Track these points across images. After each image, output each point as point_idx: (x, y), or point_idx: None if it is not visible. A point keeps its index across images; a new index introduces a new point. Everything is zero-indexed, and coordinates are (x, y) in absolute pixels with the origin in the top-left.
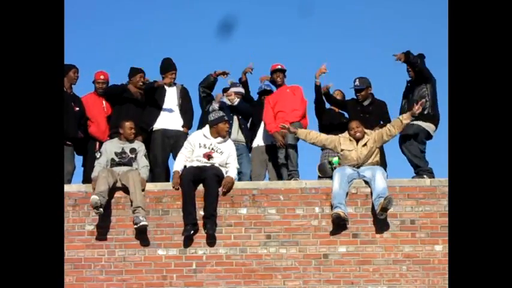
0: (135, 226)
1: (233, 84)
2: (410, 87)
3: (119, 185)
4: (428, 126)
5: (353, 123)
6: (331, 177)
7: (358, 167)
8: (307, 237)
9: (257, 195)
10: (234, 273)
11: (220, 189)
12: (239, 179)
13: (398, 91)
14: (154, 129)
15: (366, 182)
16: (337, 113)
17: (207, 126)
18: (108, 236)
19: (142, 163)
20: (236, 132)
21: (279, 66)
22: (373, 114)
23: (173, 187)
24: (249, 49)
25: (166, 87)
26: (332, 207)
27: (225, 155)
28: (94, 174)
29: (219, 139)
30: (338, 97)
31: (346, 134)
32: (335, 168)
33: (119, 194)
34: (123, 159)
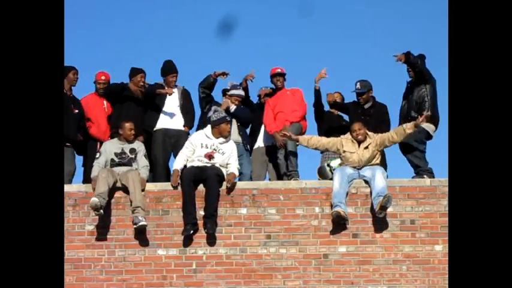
0: (135, 226)
1: (233, 86)
2: (410, 88)
3: (118, 185)
4: (428, 126)
5: (355, 125)
6: (331, 179)
7: (359, 169)
8: (307, 237)
9: (257, 195)
10: (234, 273)
11: (224, 183)
12: (239, 179)
13: (398, 92)
14: (155, 129)
15: (366, 182)
16: (336, 116)
17: (209, 126)
18: (108, 236)
19: (142, 163)
20: (235, 133)
21: (279, 70)
22: (373, 117)
23: (172, 185)
24: (249, 49)
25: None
26: (332, 206)
27: (226, 155)
28: (93, 174)
29: (221, 139)
30: (337, 100)
31: (348, 136)
32: (334, 170)
33: (118, 194)
34: (123, 160)
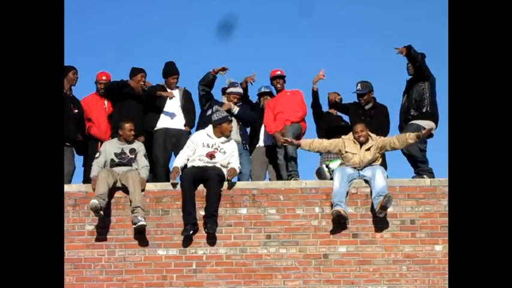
0: (134, 226)
1: (231, 84)
2: (410, 86)
3: (118, 185)
4: (428, 125)
5: (358, 126)
6: (330, 180)
7: (359, 169)
8: (307, 237)
9: (257, 195)
10: (234, 273)
11: (226, 176)
12: (239, 179)
13: (398, 92)
14: (156, 128)
15: (366, 182)
16: (335, 116)
17: (211, 126)
18: (108, 236)
19: (142, 163)
20: (235, 132)
21: (279, 72)
22: (374, 118)
23: (171, 183)
24: (249, 49)
25: (168, 90)
26: (332, 206)
27: (227, 155)
28: (93, 174)
29: (223, 139)
30: (337, 100)
31: (350, 136)
32: (333, 172)
33: (118, 194)
34: (123, 160)
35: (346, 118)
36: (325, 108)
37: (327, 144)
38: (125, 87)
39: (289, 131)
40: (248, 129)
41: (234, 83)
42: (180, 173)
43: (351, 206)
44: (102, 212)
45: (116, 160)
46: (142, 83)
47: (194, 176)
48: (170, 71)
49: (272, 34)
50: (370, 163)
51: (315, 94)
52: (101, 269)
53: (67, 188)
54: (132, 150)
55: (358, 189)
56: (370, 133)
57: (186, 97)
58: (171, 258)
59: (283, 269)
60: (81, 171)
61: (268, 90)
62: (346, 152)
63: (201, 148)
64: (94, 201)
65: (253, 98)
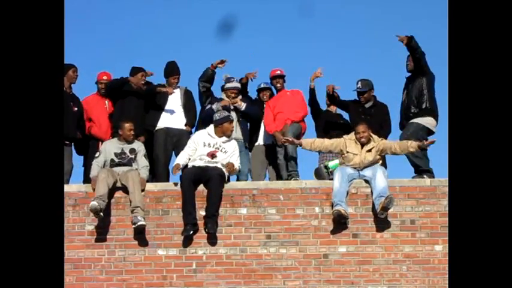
0: (133, 226)
1: (227, 79)
2: (409, 82)
3: (118, 185)
4: (427, 122)
5: (360, 127)
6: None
7: (359, 170)
8: (307, 237)
9: (257, 195)
10: (234, 273)
11: (224, 170)
12: (238, 179)
13: (398, 92)
14: (157, 128)
15: (366, 181)
16: (335, 114)
17: (212, 125)
18: (108, 236)
19: (142, 163)
20: (235, 130)
21: (278, 72)
22: (374, 116)
23: (173, 173)
24: (249, 49)
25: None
26: (333, 205)
27: (228, 154)
28: (93, 173)
29: (224, 138)
30: (334, 89)
31: (352, 136)
32: (331, 172)
33: (118, 194)
34: (123, 160)
35: (346, 116)
36: (323, 106)
37: (328, 144)
38: (125, 84)
39: (289, 130)
40: (248, 124)
41: (230, 77)
42: (181, 172)
43: (351, 206)
44: (102, 214)
45: (116, 160)
46: (143, 82)
47: (194, 176)
48: (171, 70)
49: (272, 34)
50: (370, 165)
51: (312, 92)
52: (101, 269)
53: (67, 188)
54: (132, 150)
55: (358, 189)
56: (372, 134)
57: (187, 96)
58: (171, 258)
59: (283, 269)
60: (81, 171)
61: (267, 86)
62: (347, 152)
63: (202, 147)
64: (94, 203)
65: (252, 94)
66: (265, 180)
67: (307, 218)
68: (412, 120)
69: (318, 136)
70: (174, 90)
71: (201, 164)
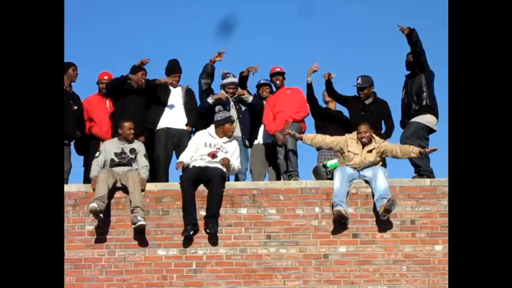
0: (133, 226)
1: (224, 75)
2: (408, 80)
3: (118, 185)
4: (428, 121)
5: (362, 126)
6: (326, 180)
7: (359, 170)
8: (307, 237)
9: (257, 195)
10: (234, 273)
11: (221, 167)
12: (238, 179)
13: (398, 92)
14: (157, 128)
15: (366, 182)
16: (334, 111)
17: (213, 125)
18: (108, 236)
19: (142, 163)
20: (236, 127)
21: (278, 69)
22: (374, 113)
23: (177, 168)
24: (249, 49)
25: (171, 87)
26: (333, 206)
27: (229, 154)
28: (93, 173)
29: (225, 139)
30: (328, 98)
31: (353, 136)
32: (329, 171)
33: (118, 194)
34: (123, 160)
35: (346, 114)
36: (322, 104)
37: (329, 141)
38: (126, 82)
39: (290, 129)
40: (249, 120)
41: (227, 73)
42: (181, 172)
43: (351, 206)
44: (101, 215)
45: (116, 160)
46: (143, 81)
47: (194, 176)
48: (173, 68)
49: (272, 34)
50: (370, 165)
51: (309, 87)
52: (101, 269)
53: (67, 188)
54: (132, 150)
55: (358, 189)
56: (374, 135)
57: (189, 95)
58: (171, 258)
59: (283, 269)
60: (81, 171)
61: (267, 82)
62: (348, 151)
63: (203, 148)
64: (93, 205)
65: (252, 91)
66: (265, 180)
67: (307, 218)
68: (412, 120)
69: (318, 133)
70: (177, 92)
71: (202, 164)
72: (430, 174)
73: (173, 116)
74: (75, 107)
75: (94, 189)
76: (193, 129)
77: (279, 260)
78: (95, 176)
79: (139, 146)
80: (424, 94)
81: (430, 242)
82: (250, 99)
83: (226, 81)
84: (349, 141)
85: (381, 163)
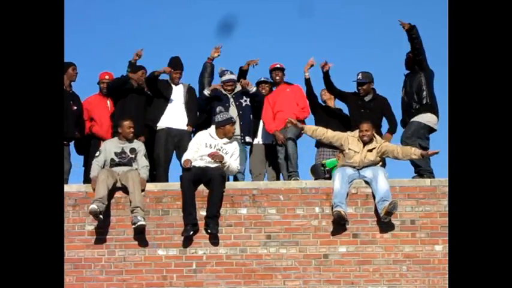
0: (133, 226)
1: (222, 72)
2: (408, 80)
3: (118, 185)
4: (428, 121)
5: (364, 125)
6: (324, 179)
7: (359, 169)
8: (307, 237)
9: (257, 195)
10: (234, 273)
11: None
12: (237, 179)
13: (398, 92)
14: (158, 128)
15: (366, 182)
16: (334, 109)
17: (213, 126)
18: (108, 236)
19: (142, 163)
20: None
21: (278, 65)
22: (374, 110)
23: (184, 166)
24: (249, 49)
25: (173, 85)
26: (333, 206)
27: (229, 155)
28: (93, 173)
29: (225, 140)
30: (325, 96)
31: (355, 134)
32: (328, 170)
33: (118, 194)
34: (123, 160)
35: (346, 111)
36: (321, 103)
37: (330, 135)
38: (126, 82)
39: (290, 130)
40: (251, 116)
41: (225, 70)
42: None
43: (351, 206)
44: (101, 216)
45: (116, 160)
46: (143, 80)
47: (194, 176)
48: (175, 65)
49: (272, 34)
50: (370, 164)
51: (308, 82)
52: (101, 269)
53: (67, 188)
54: (133, 150)
55: (358, 190)
56: (375, 134)
57: (190, 94)
58: (171, 258)
59: (283, 269)
60: (81, 171)
61: (267, 79)
62: (348, 149)
63: (204, 148)
64: (93, 206)
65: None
66: (265, 180)
67: (307, 218)
68: (412, 119)
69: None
70: (179, 90)
71: (202, 164)
72: (430, 174)
73: (174, 116)
74: (75, 107)
75: (94, 189)
76: (194, 129)
77: (279, 260)
78: (95, 176)
79: (139, 145)
80: (424, 93)
81: (430, 242)
82: (253, 89)
83: (224, 78)
84: (350, 138)
85: (380, 163)
